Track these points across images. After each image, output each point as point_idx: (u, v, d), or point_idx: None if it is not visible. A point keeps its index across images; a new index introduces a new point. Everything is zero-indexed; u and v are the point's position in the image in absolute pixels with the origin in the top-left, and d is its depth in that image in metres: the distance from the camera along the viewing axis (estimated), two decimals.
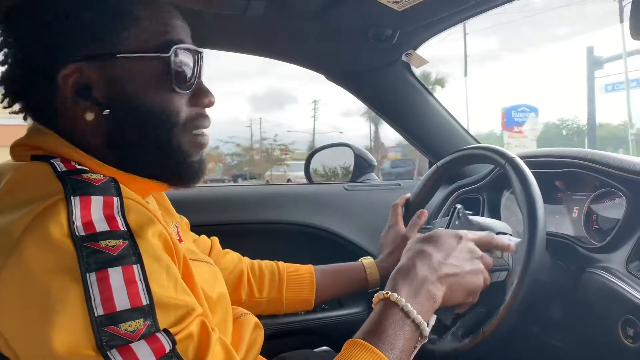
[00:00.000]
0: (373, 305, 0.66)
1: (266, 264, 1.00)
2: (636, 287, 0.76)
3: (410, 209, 1.08)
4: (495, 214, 1.12)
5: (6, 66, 0.60)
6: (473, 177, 1.24)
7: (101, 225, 0.48)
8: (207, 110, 0.67)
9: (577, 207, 0.99)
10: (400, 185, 1.55)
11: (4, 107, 0.62)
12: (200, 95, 0.64)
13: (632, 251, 0.81)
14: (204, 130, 0.67)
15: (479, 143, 1.34)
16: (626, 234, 0.84)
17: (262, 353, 0.81)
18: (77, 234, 0.47)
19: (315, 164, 1.66)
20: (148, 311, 0.47)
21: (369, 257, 1.05)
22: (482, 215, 1.10)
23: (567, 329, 0.89)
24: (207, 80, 0.69)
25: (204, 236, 0.96)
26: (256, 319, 0.83)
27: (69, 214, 0.47)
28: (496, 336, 0.74)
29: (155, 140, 0.61)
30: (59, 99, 0.58)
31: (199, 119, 0.65)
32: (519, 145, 17.09)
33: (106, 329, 0.45)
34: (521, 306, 0.73)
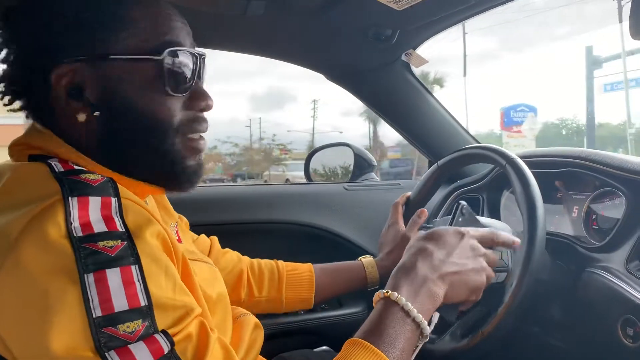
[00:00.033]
0: (374, 304, 0.66)
1: (266, 263, 1.00)
2: (636, 286, 0.76)
3: (411, 207, 1.08)
4: (495, 213, 1.12)
5: (6, 65, 0.60)
6: (473, 177, 1.24)
7: (99, 226, 0.48)
8: (206, 112, 0.66)
9: (577, 207, 0.99)
10: (400, 185, 1.55)
11: (4, 105, 0.62)
12: (198, 99, 0.63)
13: (631, 251, 0.81)
14: (202, 134, 0.65)
15: (479, 143, 1.34)
16: (626, 233, 0.84)
17: (262, 353, 0.80)
18: (75, 235, 0.47)
19: (315, 163, 1.66)
20: (146, 312, 0.47)
21: (368, 255, 1.05)
22: (482, 215, 1.10)
23: (566, 329, 0.89)
24: (206, 80, 0.67)
25: (203, 236, 0.96)
26: (256, 319, 0.83)
27: (67, 214, 0.47)
28: (495, 337, 0.74)
29: (147, 144, 0.60)
30: (53, 98, 0.58)
31: (195, 123, 0.64)
32: (517, 145, 17.10)
33: (104, 330, 0.45)
34: (520, 307, 0.73)
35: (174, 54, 0.60)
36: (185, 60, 0.61)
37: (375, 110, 1.48)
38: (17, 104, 0.62)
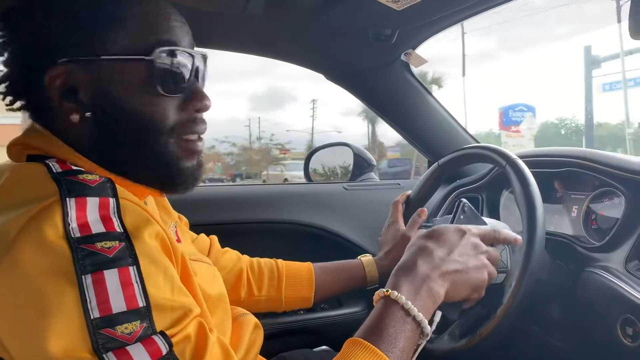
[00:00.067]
0: (374, 303, 0.66)
1: (265, 262, 1.00)
2: (635, 286, 0.76)
3: (411, 206, 1.08)
4: (494, 213, 1.12)
5: (7, 66, 0.61)
6: (472, 177, 1.25)
7: (97, 227, 0.48)
8: (205, 113, 0.65)
9: (577, 207, 0.99)
10: (399, 184, 1.55)
11: (6, 105, 0.62)
12: (194, 100, 0.62)
13: (631, 250, 0.81)
14: (200, 136, 0.65)
15: (478, 142, 1.34)
16: (625, 233, 0.84)
17: (262, 353, 0.80)
18: (73, 236, 0.46)
19: (314, 163, 1.66)
20: (144, 313, 0.46)
21: (368, 254, 1.05)
22: (481, 215, 1.11)
23: (566, 328, 0.89)
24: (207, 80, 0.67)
25: (202, 235, 0.96)
26: (256, 320, 0.83)
27: (65, 215, 0.47)
28: (493, 337, 0.74)
29: (140, 145, 0.59)
30: (49, 99, 0.58)
31: (191, 124, 0.62)
32: (516, 145, 17.12)
33: (102, 332, 0.44)
34: (519, 308, 0.73)
35: (167, 54, 0.59)
36: (179, 59, 0.60)
37: (375, 110, 1.48)
38: (18, 103, 0.62)
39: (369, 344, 0.58)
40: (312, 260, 1.02)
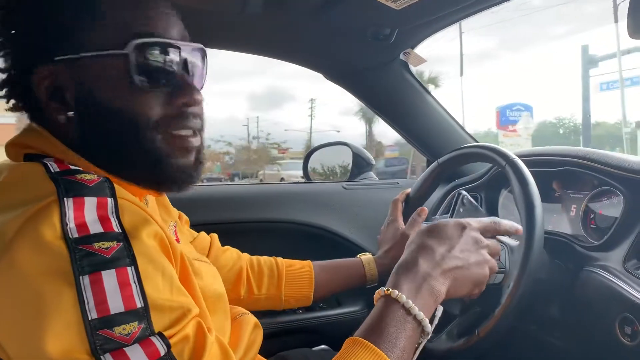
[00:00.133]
0: (374, 302, 0.65)
1: (265, 260, 1.00)
2: (634, 285, 0.76)
3: (410, 204, 1.08)
4: (493, 212, 1.12)
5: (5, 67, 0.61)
6: (471, 176, 1.25)
7: (95, 227, 0.48)
8: (198, 109, 0.62)
9: (575, 206, 0.99)
10: (398, 183, 1.55)
11: (7, 105, 0.62)
12: (181, 93, 0.60)
13: (629, 250, 0.82)
14: (195, 131, 0.62)
15: (477, 142, 1.35)
16: (624, 232, 0.84)
17: (261, 352, 0.80)
18: (71, 236, 0.46)
19: (313, 162, 1.66)
20: (142, 314, 0.46)
21: (367, 253, 1.05)
22: None
23: (565, 328, 0.89)
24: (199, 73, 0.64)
25: (203, 233, 0.96)
26: (255, 319, 0.83)
27: (62, 215, 0.47)
28: (492, 337, 0.74)
29: (125, 143, 0.58)
30: (39, 100, 0.58)
31: (179, 119, 0.60)
32: (513, 144, 17.13)
33: (100, 333, 0.44)
34: (518, 307, 0.73)
35: (143, 46, 0.56)
36: (159, 51, 0.58)
37: (374, 109, 1.48)
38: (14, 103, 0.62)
39: (369, 343, 0.58)
40: (311, 259, 1.02)
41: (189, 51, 0.61)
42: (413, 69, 1.36)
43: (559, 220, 1.02)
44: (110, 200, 0.51)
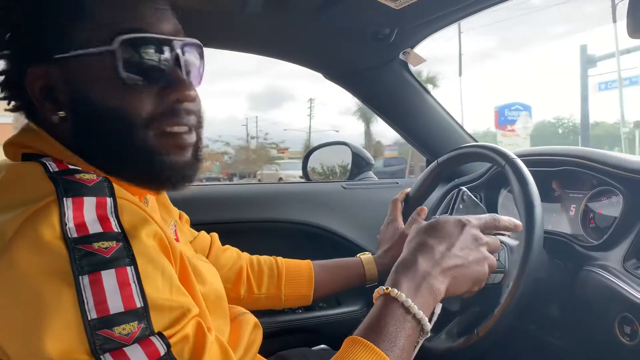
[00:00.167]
0: (374, 301, 0.65)
1: (265, 259, 0.99)
2: (633, 285, 0.76)
3: (410, 204, 1.08)
4: (493, 212, 1.12)
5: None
6: (470, 176, 1.25)
7: (94, 227, 0.47)
8: (193, 105, 0.61)
9: (575, 206, 0.99)
10: (397, 183, 1.55)
11: (7, 105, 0.62)
12: (172, 89, 0.58)
13: (629, 249, 0.82)
14: (190, 127, 0.61)
15: (477, 141, 1.35)
16: (623, 232, 0.84)
17: (261, 352, 0.80)
18: (70, 236, 0.46)
19: (313, 162, 1.66)
20: (142, 314, 0.46)
21: (367, 252, 1.05)
22: None
23: (564, 327, 0.90)
24: (195, 71, 0.61)
25: (203, 232, 0.96)
26: (255, 319, 0.83)
27: (61, 215, 0.47)
28: (491, 337, 0.74)
29: (117, 141, 0.57)
30: (33, 100, 0.58)
31: (171, 116, 0.58)
32: (511, 144, 17.15)
33: (99, 333, 0.44)
34: (517, 307, 0.73)
35: (129, 42, 0.55)
36: (147, 47, 0.57)
37: (373, 109, 1.48)
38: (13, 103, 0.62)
39: (368, 342, 0.58)
40: (311, 258, 1.02)
41: (182, 46, 0.60)
42: (412, 68, 1.36)
43: (558, 219, 1.02)
44: (109, 200, 0.50)
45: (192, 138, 0.61)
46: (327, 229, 1.36)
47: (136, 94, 0.56)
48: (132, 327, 0.45)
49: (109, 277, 0.46)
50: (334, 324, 1.29)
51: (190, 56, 0.62)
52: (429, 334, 0.64)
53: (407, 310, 0.62)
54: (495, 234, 0.81)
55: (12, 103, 0.61)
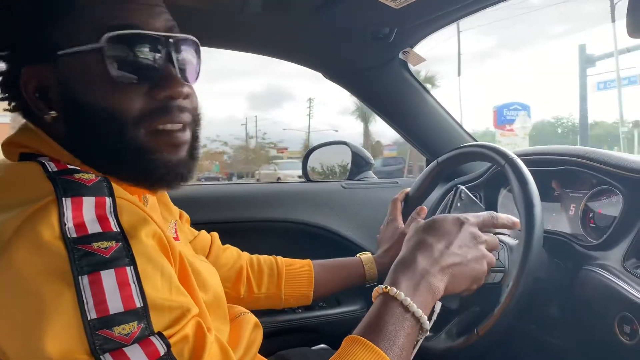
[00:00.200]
0: (373, 300, 0.65)
1: (265, 259, 0.99)
2: (632, 284, 0.76)
3: (410, 204, 1.08)
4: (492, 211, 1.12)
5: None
6: (470, 175, 1.25)
7: (93, 227, 0.47)
8: (187, 102, 0.60)
9: (574, 205, 0.99)
10: (397, 183, 1.55)
11: (8, 105, 0.62)
12: (162, 86, 0.57)
13: (628, 249, 0.82)
14: (184, 125, 0.60)
15: (477, 141, 1.35)
16: (623, 231, 0.84)
17: (261, 351, 0.80)
18: (69, 236, 0.46)
19: (312, 162, 1.66)
20: (142, 314, 0.46)
21: (367, 252, 1.05)
22: None
23: (564, 327, 0.90)
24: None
25: (203, 232, 0.96)
26: (255, 319, 0.83)
27: (60, 215, 0.46)
28: (491, 336, 0.74)
29: (108, 139, 0.56)
30: (27, 100, 0.58)
31: (162, 113, 0.57)
32: (510, 144, 17.16)
33: (99, 333, 0.44)
34: (517, 307, 0.73)
35: (118, 39, 0.55)
36: (138, 43, 0.56)
37: (373, 108, 1.48)
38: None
39: (368, 341, 0.58)
40: (311, 258, 1.02)
41: (175, 43, 0.59)
42: (412, 68, 1.36)
43: (558, 219, 1.02)
44: (108, 200, 0.50)
45: (185, 136, 0.60)
46: (327, 229, 1.36)
47: (126, 91, 0.56)
48: (132, 327, 0.45)
49: (108, 277, 0.45)
50: (333, 323, 1.29)
51: (184, 53, 0.61)
52: (428, 333, 0.64)
53: (406, 309, 0.62)
54: (495, 234, 0.81)
55: (13, 103, 0.61)
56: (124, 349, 0.44)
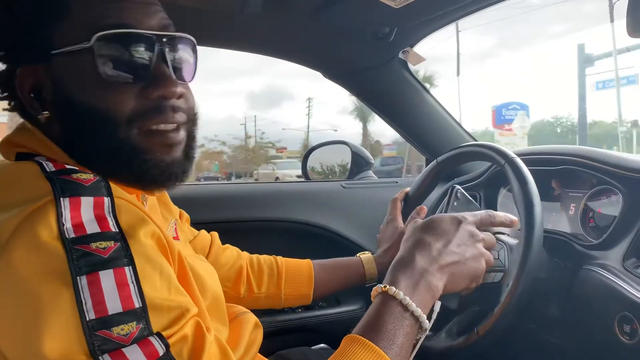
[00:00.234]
0: (372, 299, 0.65)
1: (265, 259, 1.00)
2: (632, 284, 0.76)
3: (409, 203, 1.08)
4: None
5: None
6: (469, 175, 1.25)
7: (92, 227, 0.47)
8: (181, 102, 0.59)
9: (574, 205, 0.99)
10: (397, 182, 1.56)
11: (8, 105, 0.62)
12: (154, 86, 0.56)
13: (628, 248, 0.82)
14: (178, 124, 0.59)
15: (477, 141, 1.35)
16: (622, 231, 0.85)
17: (261, 351, 0.80)
18: (67, 236, 0.45)
19: (312, 161, 1.66)
20: (141, 314, 0.46)
21: (367, 252, 1.05)
22: None
23: (563, 326, 0.90)
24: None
25: (203, 231, 0.96)
26: (256, 318, 0.82)
27: (59, 215, 0.46)
28: (491, 336, 0.74)
29: (101, 140, 0.56)
30: (22, 99, 0.58)
31: (155, 113, 0.57)
32: (508, 143, 17.19)
33: (98, 334, 0.44)
34: (517, 306, 0.73)
35: (110, 38, 0.54)
36: (129, 43, 0.55)
37: (373, 108, 1.48)
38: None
39: (367, 341, 0.58)
40: (311, 258, 1.02)
41: (169, 42, 0.58)
42: (411, 67, 1.36)
43: (558, 219, 1.02)
44: (107, 200, 0.50)
45: (179, 136, 0.60)
46: (327, 228, 1.36)
47: (118, 91, 0.55)
48: (131, 328, 0.45)
49: (107, 278, 0.45)
50: (333, 323, 1.29)
51: (179, 51, 0.60)
52: (428, 332, 0.64)
53: (405, 308, 0.62)
54: (495, 233, 0.81)
55: (12, 103, 0.61)
56: (122, 349, 0.44)
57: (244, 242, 1.04)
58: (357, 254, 1.04)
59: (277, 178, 19.35)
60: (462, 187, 1.20)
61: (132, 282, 0.46)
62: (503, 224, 0.78)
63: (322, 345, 1.19)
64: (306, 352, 1.07)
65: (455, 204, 0.86)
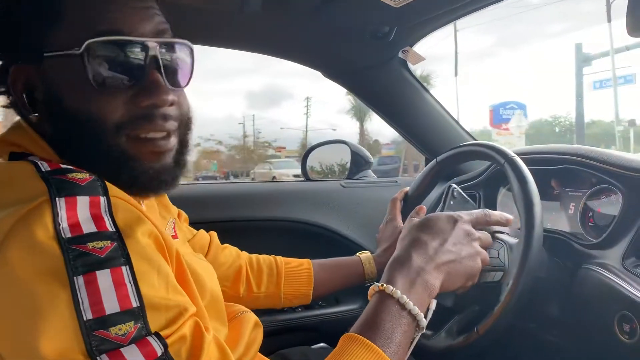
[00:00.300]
0: (369, 298, 0.66)
1: (264, 258, 1.00)
2: (632, 283, 0.76)
3: (409, 203, 1.08)
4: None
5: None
6: (469, 174, 1.25)
7: (88, 227, 0.47)
8: (172, 110, 0.59)
9: (574, 204, 0.99)
10: (396, 182, 1.56)
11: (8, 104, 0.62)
12: (144, 93, 0.56)
13: (628, 247, 0.82)
14: (168, 132, 0.59)
15: (476, 140, 1.35)
16: (622, 230, 0.85)
17: (260, 350, 0.80)
18: (63, 236, 0.45)
19: (312, 161, 1.66)
20: (138, 314, 0.45)
21: (366, 251, 1.05)
22: None
23: (563, 325, 0.90)
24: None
25: (202, 231, 0.95)
26: (256, 318, 0.82)
27: (55, 215, 0.46)
28: (491, 335, 0.74)
29: (89, 145, 0.56)
30: (15, 98, 0.58)
31: (144, 121, 0.56)
32: (506, 142, 17.23)
33: (96, 334, 0.43)
34: (517, 305, 0.73)
35: (100, 45, 0.54)
36: (119, 49, 0.55)
37: (373, 107, 1.48)
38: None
39: (365, 339, 0.58)
40: (310, 257, 1.02)
41: (163, 48, 0.58)
42: (411, 66, 1.36)
43: (557, 218, 1.02)
44: (103, 199, 0.50)
45: (170, 143, 0.59)
46: (326, 228, 1.36)
47: (107, 98, 0.55)
48: (129, 327, 0.44)
49: (104, 277, 0.45)
50: (333, 322, 1.29)
51: (174, 57, 0.60)
52: (425, 330, 0.64)
53: (403, 306, 0.62)
54: (495, 232, 0.81)
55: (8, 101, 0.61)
56: (120, 349, 0.44)
57: (243, 241, 1.04)
58: (357, 254, 1.04)
59: (274, 177, 19.33)
60: (462, 187, 1.21)
61: (130, 282, 0.46)
62: (499, 223, 0.78)
63: (322, 344, 1.19)
64: (306, 351, 1.07)
65: (451, 202, 0.86)
